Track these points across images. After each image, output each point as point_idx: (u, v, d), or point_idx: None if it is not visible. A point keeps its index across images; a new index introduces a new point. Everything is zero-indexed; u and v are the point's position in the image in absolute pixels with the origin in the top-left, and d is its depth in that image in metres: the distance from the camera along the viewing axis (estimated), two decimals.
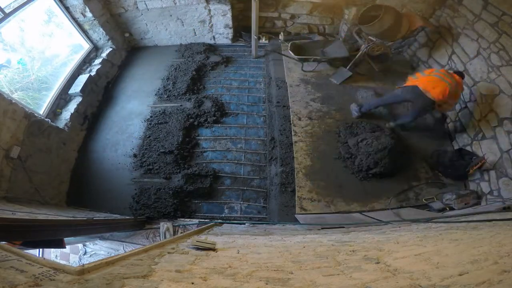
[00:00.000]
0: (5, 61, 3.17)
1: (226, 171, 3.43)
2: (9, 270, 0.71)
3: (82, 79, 3.82)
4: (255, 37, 4.31)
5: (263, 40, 5.08)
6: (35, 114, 3.00)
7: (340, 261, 1.11)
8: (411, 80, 3.31)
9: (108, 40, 4.37)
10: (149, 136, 3.65)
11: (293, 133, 3.62)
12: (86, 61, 4.26)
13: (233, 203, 3.22)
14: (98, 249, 3.22)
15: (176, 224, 2.93)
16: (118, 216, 2.92)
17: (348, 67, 4.38)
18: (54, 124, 3.28)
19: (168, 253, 1.22)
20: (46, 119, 3.19)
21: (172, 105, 4.03)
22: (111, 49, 4.45)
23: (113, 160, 3.52)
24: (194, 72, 4.41)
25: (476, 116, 3.38)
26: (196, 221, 2.97)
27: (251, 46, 4.71)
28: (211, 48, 4.94)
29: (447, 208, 3.04)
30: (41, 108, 3.40)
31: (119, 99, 4.22)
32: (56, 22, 3.86)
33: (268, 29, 5.23)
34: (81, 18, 3.96)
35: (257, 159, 3.54)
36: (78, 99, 3.72)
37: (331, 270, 0.98)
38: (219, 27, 4.80)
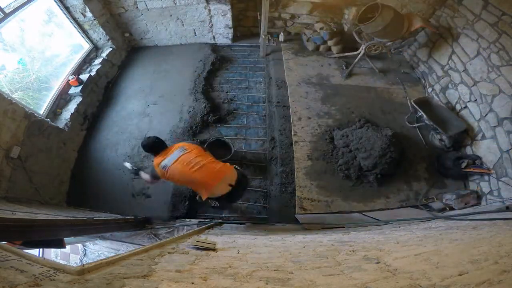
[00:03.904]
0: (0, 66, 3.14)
1: None
2: (9, 270, 0.71)
3: (82, 79, 3.82)
4: (263, 36, 4.31)
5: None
6: (35, 114, 3.00)
7: (340, 261, 1.11)
8: None
9: (108, 40, 4.37)
10: (150, 136, 3.64)
11: (293, 133, 3.62)
12: (86, 61, 4.26)
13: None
14: (98, 249, 3.22)
15: (176, 225, 2.93)
16: (118, 216, 2.91)
17: (349, 70, 4.38)
18: (54, 124, 3.28)
19: (168, 253, 1.22)
20: (46, 119, 3.19)
21: (172, 105, 4.04)
22: (111, 49, 4.45)
23: (113, 160, 3.52)
24: (194, 72, 4.41)
25: (476, 116, 3.38)
26: (196, 221, 2.96)
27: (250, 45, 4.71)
28: (211, 48, 4.94)
29: (447, 208, 3.04)
30: (41, 108, 3.39)
31: (119, 99, 4.22)
32: (56, 22, 3.86)
33: (268, 29, 5.22)
34: (81, 18, 3.96)
35: (257, 159, 3.54)
36: (78, 99, 3.72)
37: (331, 270, 0.98)
38: (219, 27, 4.80)
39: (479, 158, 3.23)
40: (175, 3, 4.30)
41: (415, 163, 3.47)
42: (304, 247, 1.51)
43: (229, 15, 4.54)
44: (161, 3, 4.28)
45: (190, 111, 3.87)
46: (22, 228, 1.66)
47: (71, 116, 3.52)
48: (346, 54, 4.55)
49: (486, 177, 3.12)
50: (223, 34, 4.94)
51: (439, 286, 0.77)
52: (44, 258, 0.88)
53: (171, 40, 5.01)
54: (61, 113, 3.57)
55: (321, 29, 4.72)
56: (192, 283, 0.79)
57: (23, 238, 1.79)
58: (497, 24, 3.09)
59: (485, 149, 3.21)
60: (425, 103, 3.69)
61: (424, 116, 3.49)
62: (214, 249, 1.37)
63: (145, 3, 4.27)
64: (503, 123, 3.02)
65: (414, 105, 3.63)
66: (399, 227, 2.32)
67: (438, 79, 4.06)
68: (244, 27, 5.24)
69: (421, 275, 0.85)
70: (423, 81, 4.37)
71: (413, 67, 4.62)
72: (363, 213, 3.01)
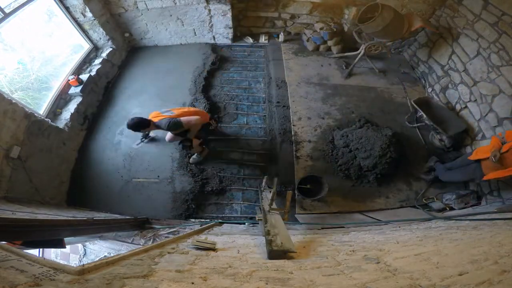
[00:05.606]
0: None
1: (227, 171, 3.43)
2: (9, 270, 0.71)
3: (82, 79, 3.82)
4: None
5: (263, 39, 5.10)
6: (35, 114, 3.00)
7: (340, 261, 1.11)
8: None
9: (108, 40, 4.37)
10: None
11: (293, 133, 3.63)
12: (86, 61, 4.26)
13: (233, 203, 3.22)
14: (98, 249, 3.22)
15: (176, 225, 2.93)
16: (118, 216, 2.91)
17: (349, 70, 4.38)
18: (54, 124, 3.28)
19: (168, 253, 1.22)
20: (46, 119, 3.18)
21: (172, 105, 4.03)
22: (111, 49, 4.45)
23: (113, 160, 3.52)
24: (194, 72, 4.41)
25: (476, 116, 3.38)
26: (196, 221, 2.96)
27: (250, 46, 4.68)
28: (211, 48, 4.94)
29: (447, 208, 3.04)
30: (41, 108, 3.39)
31: (119, 99, 4.22)
32: (56, 22, 3.85)
33: (268, 29, 5.23)
34: (81, 18, 3.96)
35: (257, 159, 3.54)
36: (78, 99, 3.72)
37: (331, 270, 0.98)
38: (219, 27, 4.80)
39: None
40: (175, 3, 4.30)
41: (415, 163, 3.48)
42: (304, 247, 1.51)
43: (229, 15, 4.54)
44: (161, 3, 4.28)
45: None
46: (22, 228, 1.66)
47: (71, 116, 3.52)
48: (346, 54, 4.55)
49: None
50: (223, 34, 4.94)
51: (439, 286, 0.77)
52: (44, 258, 0.88)
53: (171, 40, 5.01)
54: (61, 113, 3.57)
55: (321, 29, 4.72)
56: (192, 283, 0.79)
57: (23, 238, 1.79)
58: (497, 24, 3.10)
59: None
60: (425, 103, 3.69)
61: (424, 116, 3.49)
62: (214, 249, 1.37)
63: (145, 3, 4.27)
64: (503, 123, 3.02)
65: (414, 105, 3.63)
66: (399, 227, 2.32)
67: (438, 79, 4.06)
68: (244, 27, 5.24)
69: (421, 275, 0.85)
70: (423, 81, 4.37)
71: (413, 67, 4.62)
72: (363, 213, 3.01)
